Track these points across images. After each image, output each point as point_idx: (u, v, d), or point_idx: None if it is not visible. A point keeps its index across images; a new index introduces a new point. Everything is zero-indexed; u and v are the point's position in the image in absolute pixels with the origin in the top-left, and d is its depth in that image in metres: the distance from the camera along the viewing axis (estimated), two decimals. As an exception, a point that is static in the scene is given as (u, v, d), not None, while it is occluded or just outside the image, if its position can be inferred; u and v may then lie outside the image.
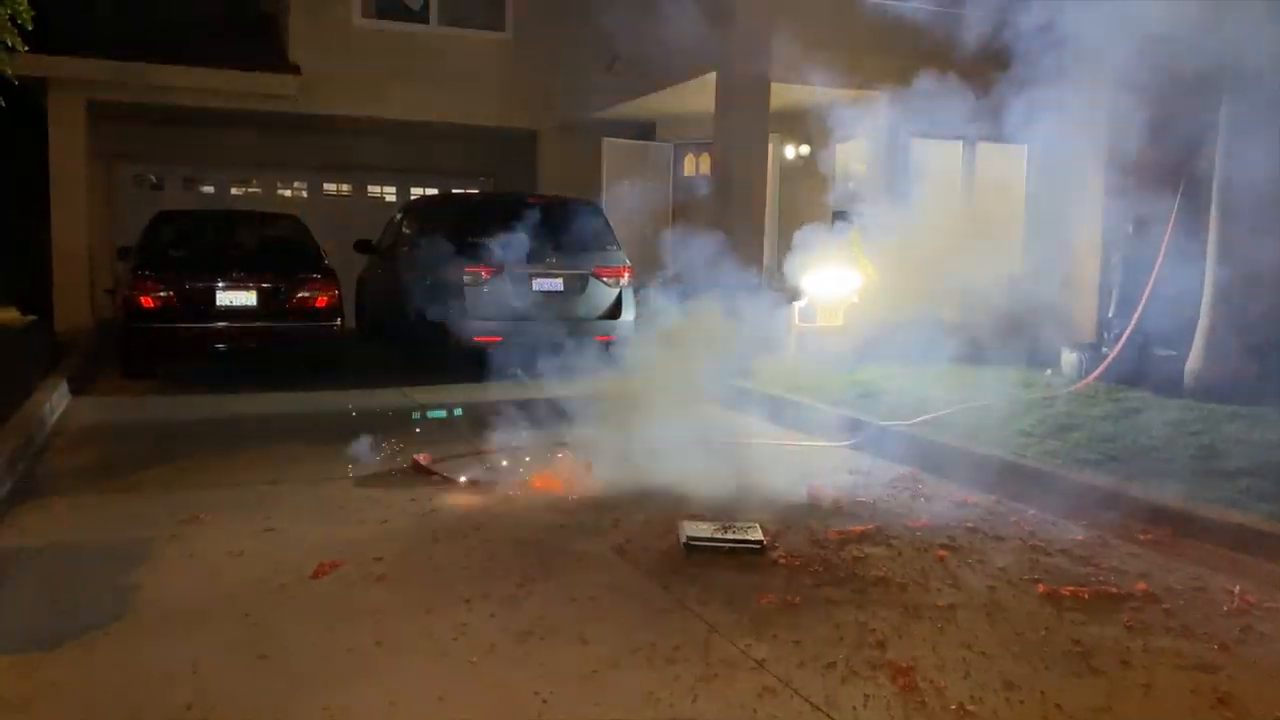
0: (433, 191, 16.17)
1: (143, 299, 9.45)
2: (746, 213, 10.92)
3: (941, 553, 4.80)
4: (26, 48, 6.65)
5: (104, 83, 12.54)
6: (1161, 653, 3.70)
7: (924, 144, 11.50)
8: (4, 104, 6.84)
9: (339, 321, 10.32)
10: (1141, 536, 5.05)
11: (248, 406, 8.68)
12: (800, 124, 12.66)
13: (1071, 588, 4.31)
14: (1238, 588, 4.32)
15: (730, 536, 4.77)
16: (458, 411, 7.48)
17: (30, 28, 6.55)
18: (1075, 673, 3.52)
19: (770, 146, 11.65)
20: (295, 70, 13.49)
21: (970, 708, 3.24)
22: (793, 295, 9.84)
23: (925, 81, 8.68)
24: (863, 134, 11.32)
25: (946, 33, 8.15)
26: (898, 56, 9.75)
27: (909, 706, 3.25)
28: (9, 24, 6.41)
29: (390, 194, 16.81)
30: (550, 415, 7.02)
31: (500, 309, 9.83)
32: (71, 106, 12.59)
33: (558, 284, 10.16)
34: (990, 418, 7.26)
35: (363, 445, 6.58)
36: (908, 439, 6.92)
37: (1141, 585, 4.36)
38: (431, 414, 7.38)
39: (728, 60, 10.83)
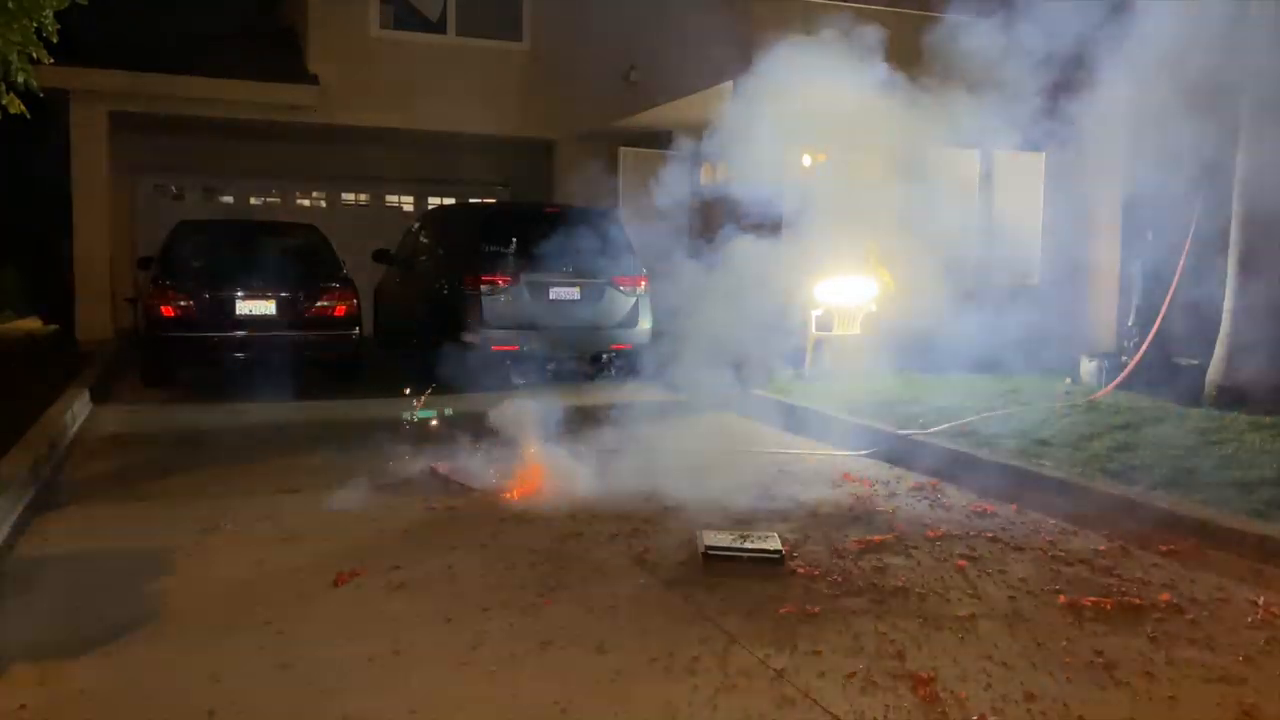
0: (450, 201, 16.24)
1: (163, 308, 9.52)
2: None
3: (961, 562, 4.78)
4: (52, 60, 6.71)
5: (126, 94, 12.65)
6: (1186, 664, 3.67)
7: (941, 151, 11.45)
8: (28, 115, 6.90)
9: (357, 330, 10.36)
10: (1163, 547, 5.01)
11: (267, 415, 8.72)
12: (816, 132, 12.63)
13: (1093, 598, 4.28)
14: (1262, 599, 4.28)
15: (749, 546, 4.76)
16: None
17: (55, 40, 6.61)
18: (1098, 684, 3.50)
19: (785, 155, 11.62)
20: (314, 81, 13.59)
21: (992, 719, 3.22)
22: None
23: (942, 90, 8.66)
24: (879, 142, 11.30)
25: (966, 41, 8.12)
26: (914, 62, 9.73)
27: (930, 717, 3.23)
28: (34, 37, 6.47)
29: (408, 204, 16.89)
30: (569, 423, 7.03)
31: (517, 318, 9.85)
32: (94, 117, 12.72)
33: (574, 293, 10.17)
34: (1009, 426, 7.22)
35: (381, 453, 6.61)
36: (926, 448, 6.89)
37: (1164, 596, 4.33)
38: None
39: (743, 69, 10.83)
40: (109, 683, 3.43)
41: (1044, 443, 6.76)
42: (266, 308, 9.84)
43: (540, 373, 9.82)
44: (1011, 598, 4.33)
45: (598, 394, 7.51)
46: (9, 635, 3.80)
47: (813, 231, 8.92)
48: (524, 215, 10.64)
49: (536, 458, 6.25)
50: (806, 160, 13.31)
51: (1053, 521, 5.52)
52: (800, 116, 8.22)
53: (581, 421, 6.98)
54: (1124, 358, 8.98)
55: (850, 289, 9.92)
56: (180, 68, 12.72)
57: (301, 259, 10.78)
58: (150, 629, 3.88)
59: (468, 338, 9.65)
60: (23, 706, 3.21)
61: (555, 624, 3.94)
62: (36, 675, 3.46)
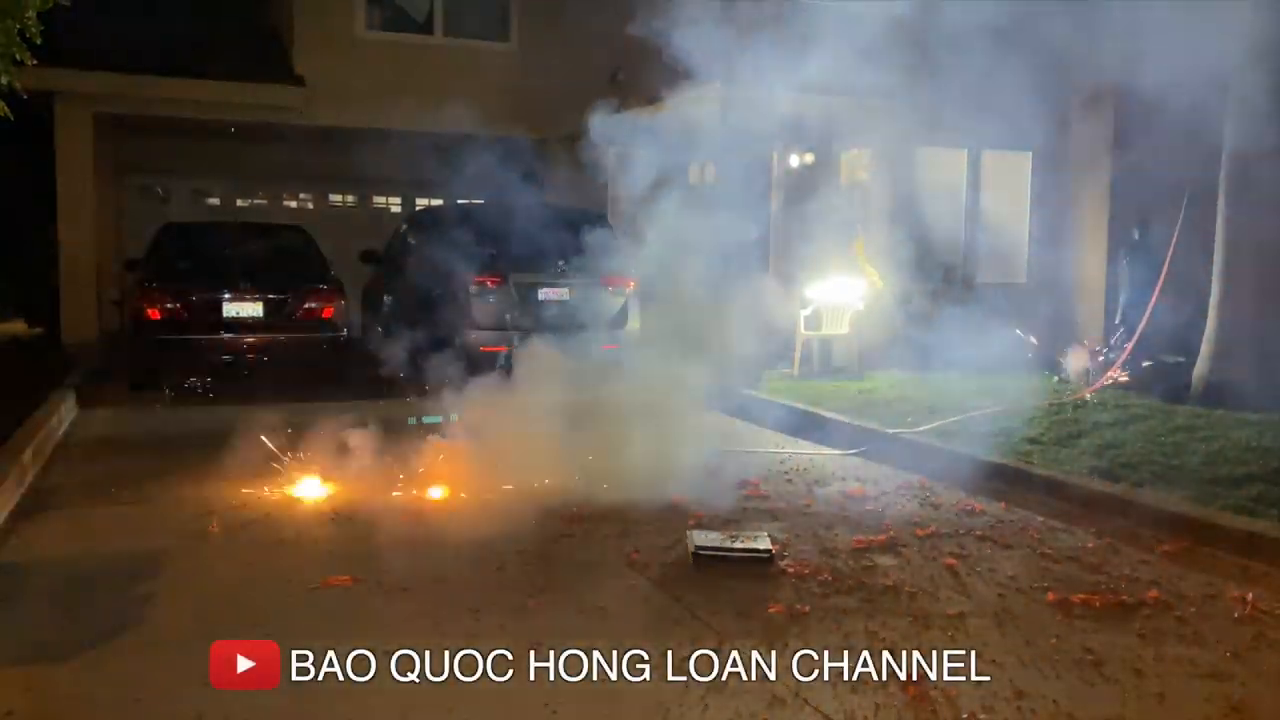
0: (437, 202, 16.20)
1: (150, 310, 9.47)
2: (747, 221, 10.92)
3: (951, 561, 4.79)
4: (35, 61, 6.66)
5: (111, 96, 12.56)
6: (1174, 661, 3.69)
7: (928, 152, 11.48)
8: (12, 118, 6.84)
9: (344, 332, 10.34)
10: (1152, 544, 5.03)
11: (255, 417, 8.64)
12: (805, 132, 12.65)
13: (1082, 595, 4.29)
14: (1249, 595, 4.30)
15: (739, 546, 4.75)
16: (453, 416, 7.42)
17: (38, 41, 6.57)
18: (1087, 681, 3.51)
19: (774, 155, 11.65)
20: (300, 82, 13.52)
21: (982, 717, 3.23)
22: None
23: (930, 89, 8.68)
24: (867, 143, 11.33)
25: (956, 38, 8.14)
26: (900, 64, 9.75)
27: (920, 716, 3.24)
28: (17, 38, 6.42)
29: (395, 204, 16.84)
30: (557, 423, 7.00)
31: (506, 318, 9.83)
32: (78, 119, 12.62)
33: (564, 293, 10.16)
34: (997, 425, 7.24)
35: (371, 454, 6.57)
36: (915, 447, 6.90)
37: (1153, 593, 4.35)
38: (427, 419, 7.33)
39: (730, 71, 10.83)
40: (97, 688, 3.41)
41: (1032, 440, 6.79)
42: (254, 309, 9.80)
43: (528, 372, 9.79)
44: (1001, 595, 4.34)
45: (585, 394, 7.48)
46: (-5, 640, 3.78)
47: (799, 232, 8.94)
48: (513, 215, 10.60)
49: (526, 458, 6.24)
50: (794, 161, 13.36)
51: (1041, 519, 5.54)
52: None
53: (569, 422, 6.95)
54: (1111, 355, 9.02)
55: (839, 288, 9.94)
56: (166, 69, 12.63)
57: (288, 260, 10.74)
58: (139, 633, 3.86)
59: (457, 338, 9.62)
60: (10, 713, 3.19)
61: (546, 626, 3.93)
62: (23, 681, 3.43)
